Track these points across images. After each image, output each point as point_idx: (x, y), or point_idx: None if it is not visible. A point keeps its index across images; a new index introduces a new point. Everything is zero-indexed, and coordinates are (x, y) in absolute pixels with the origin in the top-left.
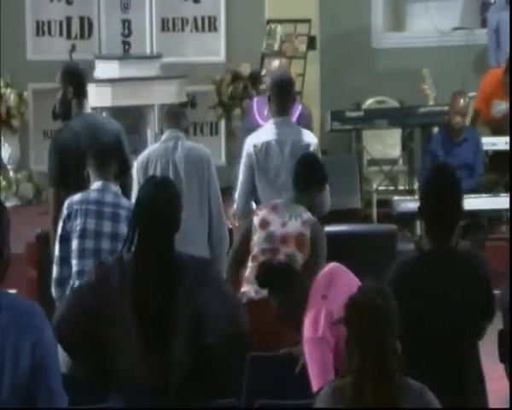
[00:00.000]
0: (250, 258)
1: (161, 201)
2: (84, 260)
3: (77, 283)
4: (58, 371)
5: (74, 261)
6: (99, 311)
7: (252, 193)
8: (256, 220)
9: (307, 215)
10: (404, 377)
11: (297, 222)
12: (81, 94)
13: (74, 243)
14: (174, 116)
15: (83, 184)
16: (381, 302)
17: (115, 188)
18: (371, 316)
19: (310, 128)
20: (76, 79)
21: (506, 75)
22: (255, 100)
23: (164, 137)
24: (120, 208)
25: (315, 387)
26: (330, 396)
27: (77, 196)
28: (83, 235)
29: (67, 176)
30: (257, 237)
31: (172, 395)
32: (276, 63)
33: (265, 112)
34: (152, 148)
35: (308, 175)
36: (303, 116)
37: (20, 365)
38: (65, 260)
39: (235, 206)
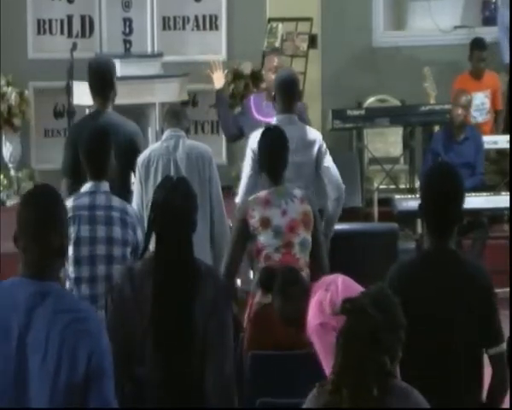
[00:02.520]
0: (262, 259)
1: (178, 201)
2: (81, 268)
3: (75, 290)
4: (112, 380)
5: (70, 269)
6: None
7: (255, 187)
8: (254, 222)
9: (298, 191)
10: (391, 380)
11: (294, 203)
12: (95, 91)
13: (70, 251)
14: (175, 115)
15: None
16: (372, 315)
17: (106, 187)
18: (358, 324)
19: (307, 121)
20: (90, 75)
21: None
22: (252, 97)
23: (165, 135)
24: (113, 210)
25: (328, 370)
26: (314, 402)
27: (69, 203)
28: (77, 243)
29: (79, 168)
30: (264, 238)
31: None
32: (276, 59)
33: (264, 107)
34: (153, 147)
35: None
36: (300, 111)
37: (76, 369)
38: None
39: (237, 199)
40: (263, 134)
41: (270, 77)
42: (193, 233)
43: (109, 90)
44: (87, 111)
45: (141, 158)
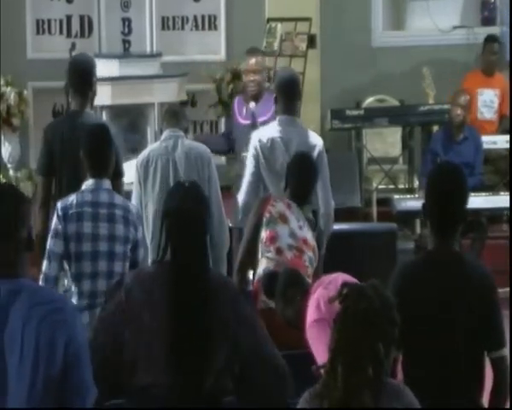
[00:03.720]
0: (274, 249)
1: (192, 207)
2: (82, 263)
3: (73, 287)
4: (89, 365)
5: (72, 264)
6: (123, 334)
7: (258, 186)
8: (273, 211)
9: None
10: (385, 377)
11: (310, 232)
12: (73, 89)
13: (71, 246)
14: (174, 115)
15: (66, 182)
16: (370, 296)
17: (107, 184)
18: (356, 304)
19: None
20: (69, 73)
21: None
22: (236, 99)
23: (164, 136)
24: (116, 208)
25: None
26: (308, 401)
27: (72, 199)
28: (79, 238)
29: (54, 169)
30: (280, 229)
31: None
32: (252, 61)
33: (244, 111)
34: (152, 147)
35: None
36: None
37: (54, 361)
38: (55, 256)
39: (240, 199)
40: (295, 159)
41: (246, 78)
42: (207, 236)
43: (88, 88)
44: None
45: (140, 158)
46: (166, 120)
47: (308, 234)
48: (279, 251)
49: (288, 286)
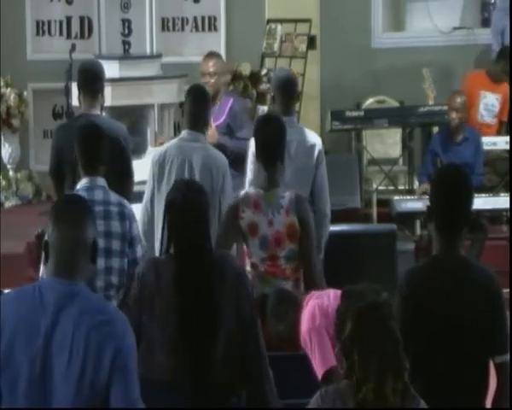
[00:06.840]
0: (249, 264)
1: (194, 200)
2: None
3: None
4: (136, 380)
5: None
6: (140, 322)
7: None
8: (243, 224)
9: (286, 198)
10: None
11: (280, 215)
12: (86, 91)
13: None
14: (194, 116)
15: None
16: (387, 309)
17: (102, 182)
18: (381, 319)
19: (243, 122)
20: (83, 76)
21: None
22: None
23: (182, 134)
24: (111, 205)
25: (319, 373)
26: (328, 399)
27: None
28: None
29: (63, 171)
30: (251, 244)
31: (207, 394)
32: (208, 64)
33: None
34: (170, 144)
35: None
36: (233, 110)
37: (101, 371)
38: None
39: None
40: (257, 120)
41: (202, 80)
42: (208, 225)
43: (101, 91)
44: None
45: (156, 154)
46: (186, 118)
47: (280, 224)
48: (254, 265)
49: (279, 305)
